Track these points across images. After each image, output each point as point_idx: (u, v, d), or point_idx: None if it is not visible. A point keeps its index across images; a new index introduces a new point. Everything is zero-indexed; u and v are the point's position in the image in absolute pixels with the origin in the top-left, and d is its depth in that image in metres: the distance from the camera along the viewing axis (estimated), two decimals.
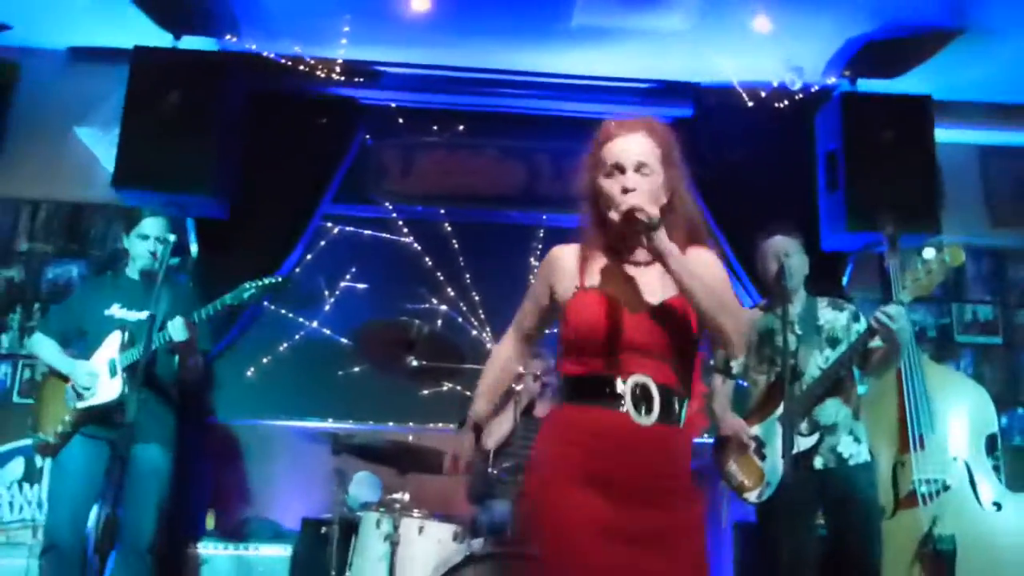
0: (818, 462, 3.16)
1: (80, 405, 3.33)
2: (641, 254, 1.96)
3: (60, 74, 4.65)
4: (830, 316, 3.32)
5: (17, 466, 4.27)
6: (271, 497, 4.34)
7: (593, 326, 1.89)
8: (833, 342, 3.22)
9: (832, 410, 3.17)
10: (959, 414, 3.84)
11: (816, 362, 3.20)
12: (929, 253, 3.04)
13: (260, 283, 3.40)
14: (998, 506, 3.62)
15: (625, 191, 1.88)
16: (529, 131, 4.86)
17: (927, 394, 3.81)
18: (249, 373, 4.50)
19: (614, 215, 1.89)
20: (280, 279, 3.46)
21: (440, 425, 4.49)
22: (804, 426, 3.14)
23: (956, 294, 5.02)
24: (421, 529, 3.24)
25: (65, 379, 3.40)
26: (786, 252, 3.30)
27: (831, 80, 4.64)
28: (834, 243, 4.50)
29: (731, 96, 4.70)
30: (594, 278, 1.95)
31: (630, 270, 1.96)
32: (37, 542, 3.48)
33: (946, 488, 3.63)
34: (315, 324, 4.62)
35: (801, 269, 3.35)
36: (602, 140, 1.99)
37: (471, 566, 3.03)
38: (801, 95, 4.65)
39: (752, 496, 3.21)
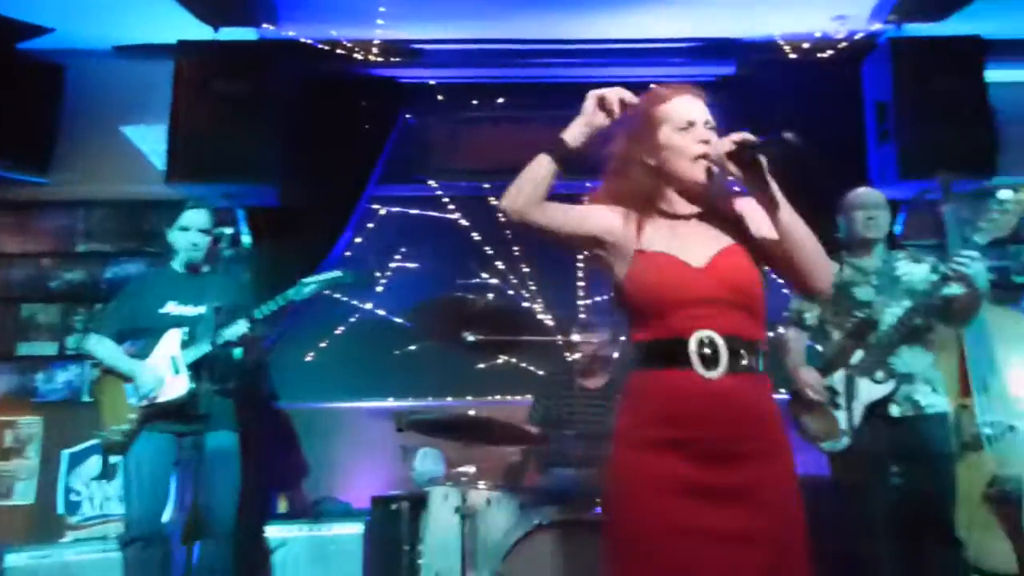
0: (894, 410, 3.12)
1: (145, 403, 3.39)
2: (688, 209, 1.98)
3: (105, 73, 4.71)
4: (908, 268, 3.27)
5: (94, 463, 4.41)
6: (339, 477, 4.43)
7: (657, 289, 1.89)
8: (912, 294, 3.17)
9: (909, 359, 3.14)
10: (1021, 355, 3.78)
11: (894, 312, 3.15)
12: (1006, 194, 2.96)
13: (321, 279, 3.44)
14: None
15: (704, 143, 1.92)
16: (570, 100, 4.63)
17: (988, 336, 3.74)
18: (308, 358, 4.58)
19: (693, 166, 1.92)
20: (341, 273, 3.49)
21: (498, 397, 4.54)
22: (880, 374, 3.11)
23: (1014, 235, 4.90)
24: (489, 500, 3.28)
25: (124, 377, 3.44)
26: (875, 203, 3.31)
27: (876, 27, 4.51)
28: (886, 193, 4.40)
29: (774, 51, 4.62)
30: (649, 239, 1.94)
31: (680, 227, 1.97)
32: (117, 537, 3.56)
33: (1011, 430, 3.60)
34: (369, 306, 4.67)
35: (885, 222, 3.33)
36: (658, 102, 1.99)
37: (541, 534, 3.07)
38: (846, 44, 4.55)
39: (828, 446, 3.19)
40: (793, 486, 1.86)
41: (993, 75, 4.41)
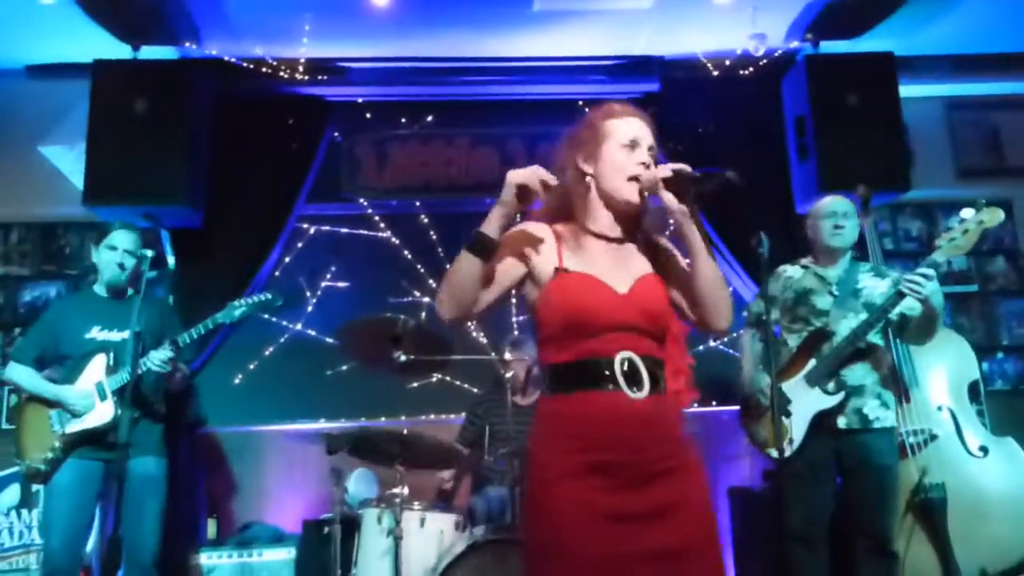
0: (841, 422, 3.14)
1: (69, 430, 3.30)
2: (612, 231, 1.97)
3: (20, 93, 4.58)
4: (870, 282, 3.28)
5: (12, 493, 4.24)
6: (270, 501, 4.35)
7: (580, 310, 1.86)
8: (869, 307, 3.17)
9: (861, 372, 3.17)
10: (941, 364, 3.89)
11: (849, 324, 3.17)
12: (967, 213, 2.97)
13: (251, 302, 3.37)
14: (985, 451, 3.69)
15: (643, 165, 1.93)
16: (500, 117, 4.86)
17: (907, 347, 3.86)
18: (236, 380, 4.49)
19: (626, 185, 1.92)
20: (270, 297, 3.42)
21: (431, 417, 4.51)
22: (831, 385, 3.14)
23: (928, 247, 5.09)
24: (423, 521, 3.26)
25: (48, 404, 3.34)
26: (843, 212, 3.29)
27: (794, 44, 4.66)
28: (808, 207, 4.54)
29: (697, 68, 4.72)
30: (572, 258, 1.92)
31: (604, 248, 1.96)
32: (38, 568, 3.43)
33: (933, 438, 3.68)
34: (299, 326, 4.61)
35: (853, 232, 3.32)
36: (608, 116, 1.99)
37: (474, 554, 3.06)
38: (765, 61, 4.68)
39: (774, 453, 3.19)
40: (709, 500, 1.90)
41: (905, 91, 4.59)
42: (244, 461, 4.42)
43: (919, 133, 4.85)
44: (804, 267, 3.40)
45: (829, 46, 4.62)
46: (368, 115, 4.78)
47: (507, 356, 3.57)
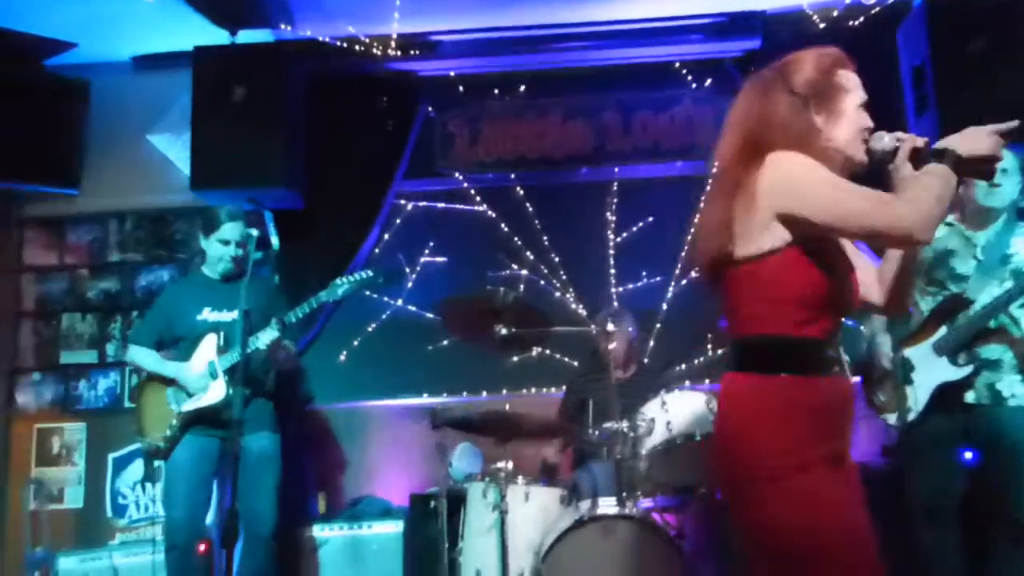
0: (970, 396, 2.92)
1: (187, 408, 3.43)
2: None
3: (128, 84, 4.77)
4: (1021, 248, 2.98)
5: (137, 468, 4.49)
6: (377, 476, 4.42)
7: (840, 282, 1.75)
8: (1018, 275, 2.91)
9: (999, 348, 2.92)
10: None
11: (992, 293, 2.92)
12: None
13: (353, 280, 3.41)
14: None
15: (870, 130, 1.80)
16: (594, 84, 4.74)
17: None
18: (341, 358, 4.57)
19: (862, 147, 1.78)
20: (371, 274, 3.45)
21: (532, 391, 4.49)
22: (962, 357, 2.92)
23: None
24: (527, 496, 3.24)
25: (166, 383, 3.49)
26: (1003, 168, 2.88)
27: None
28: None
29: (802, 21, 4.46)
30: None
31: None
32: (163, 539, 3.61)
33: None
34: (400, 302, 4.65)
35: (1013, 190, 3.00)
36: (842, 65, 1.83)
37: (580, 529, 3.02)
38: (878, 9, 4.38)
39: (892, 419, 3.02)
40: None
41: None
42: (351, 437, 4.52)
43: None
44: (949, 224, 3.06)
45: None
46: (461, 88, 4.74)
47: (609, 328, 3.49)
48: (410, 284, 4.68)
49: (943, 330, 2.98)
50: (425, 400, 4.47)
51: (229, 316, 3.51)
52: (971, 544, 2.99)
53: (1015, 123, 1.74)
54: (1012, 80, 4.06)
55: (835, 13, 4.44)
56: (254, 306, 3.23)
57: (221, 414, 3.37)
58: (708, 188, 1.90)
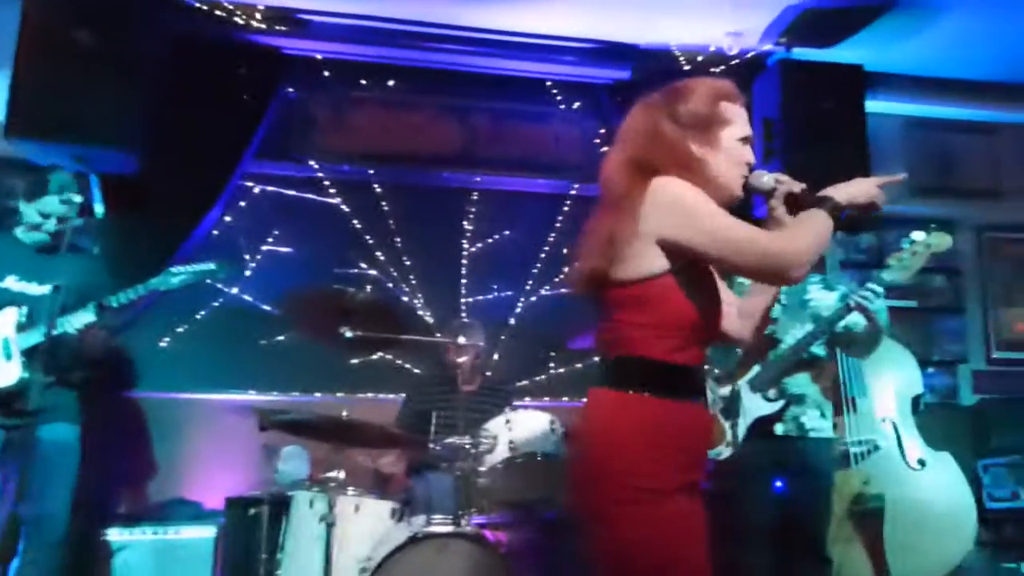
0: (779, 428, 3.17)
1: None
2: None
3: None
4: (818, 294, 3.30)
5: None
6: (193, 476, 4.07)
7: (709, 311, 1.77)
8: (816, 319, 3.20)
9: (803, 381, 3.19)
10: (889, 378, 3.99)
11: (796, 334, 3.19)
12: (918, 236, 3.01)
13: (191, 270, 3.12)
14: (922, 464, 3.79)
15: (749, 165, 1.84)
16: (467, 89, 4.67)
17: (859, 360, 3.89)
18: (163, 343, 4.20)
19: (740, 180, 1.82)
20: (213, 267, 3.17)
21: (370, 395, 4.32)
22: (772, 392, 3.15)
23: (878, 261, 5.15)
24: (357, 507, 3.09)
25: None
26: None
27: (768, 47, 4.61)
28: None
29: (669, 59, 4.63)
30: None
31: None
32: None
33: (876, 449, 3.78)
34: (236, 291, 4.34)
35: None
36: (725, 97, 1.83)
37: (413, 547, 2.90)
38: (738, 61, 4.62)
39: (712, 453, 3.19)
40: None
41: (870, 105, 4.61)
42: (165, 431, 4.13)
43: (878, 148, 4.87)
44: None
45: (802, 53, 4.58)
46: (327, 73, 4.52)
47: (460, 340, 3.41)
48: (248, 272, 4.38)
49: (756, 368, 3.19)
50: (253, 397, 4.20)
51: (38, 290, 3.10)
52: (780, 568, 3.19)
53: (902, 176, 1.88)
54: (852, 139, 4.43)
55: (700, 57, 4.64)
56: (69, 282, 2.87)
57: (10, 400, 2.95)
58: (596, 204, 1.87)
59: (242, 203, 4.43)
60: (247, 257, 4.39)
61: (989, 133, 5.35)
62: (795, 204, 1.80)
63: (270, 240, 4.43)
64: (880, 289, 2.99)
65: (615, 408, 1.73)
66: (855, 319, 3.10)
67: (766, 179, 1.84)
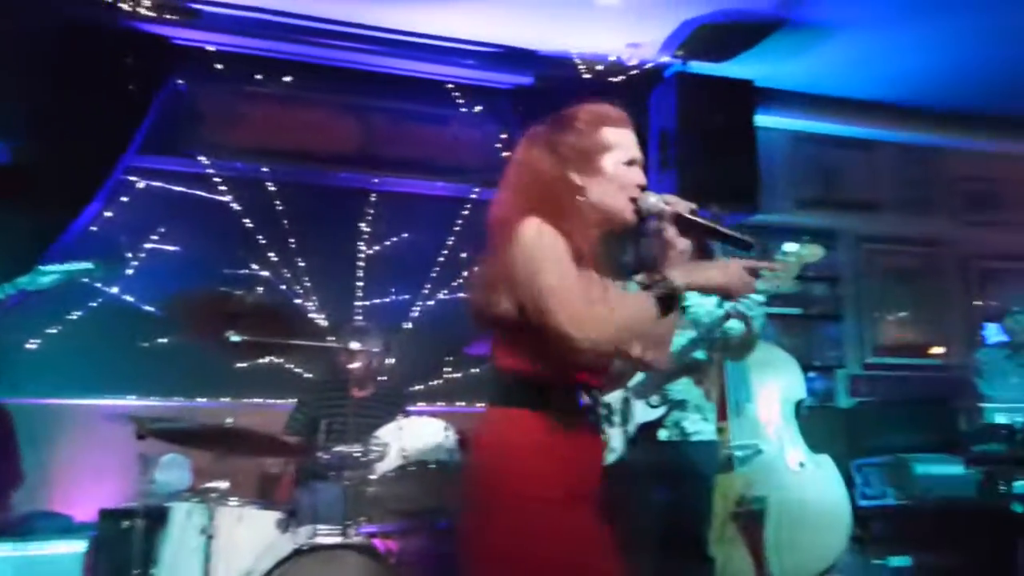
0: (662, 434, 3.23)
1: None
2: (587, 246, 1.80)
3: None
4: (696, 300, 3.33)
5: None
6: (61, 486, 3.86)
7: None
8: (696, 325, 3.26)
9: (684, 387, 3.26)
10: (774, 383, 4.12)
11: (678, 341, 3.22)
12: (790, 247, 3.11)
13: (65, 269, 2.93)
14: (802, 466, 3.93)
15: (640, 187, 1.79)
16: (365, 88, 4.59)
17: (746, 365, 4.01)
18: (32, 345, 3.95)
19: (628, 205, 1.78)
20: (91, 267, 2.99)
21: (258, 400, 4.19)
22: (655, 398, 3.21)
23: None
24: (240, 518, 2.96)
25: None
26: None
27: (666, 59, 4.71)
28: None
29: (570, 67, 4.67)
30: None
31: (583, 265, 1.80)
32: None
33: (759, 452, 3.88)
34: (115, 290, 4.13)
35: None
36: (605, 123, 1.80)
37: (298, 559, 2.81)
38: (637, 71, 4.71)
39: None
40: None
41: (759, 119, 4.78)
42: (33, 439, 3.87)
43: (768, 161, 5.06)
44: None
45: (698, 66, 4.71)
46: (219, 66, 4.35)
47: (353, 346, 3.33)
48: (130, 271, 4.17)
49: (639, 376, 3.23)
50: (132, 402, 4.00)
51: None
52: (664, 569, 3.26)
53: (778, 265, 1.89)
54: (740, 154, 4.58)
55: (600, 67, 4.70)
56: None
57: None
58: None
59: (125, 198, 4.22)
60: (129, 255, 4.18)
61: (868, 149, 5.64)
62: (686, 225, 1.80)
63: (154, 238, 4.25)
64: (759, 297, 3.09)
65: (502, 423, 1.75)
66: (732, 324, 3.20)
67: (653, 200, 1.81)
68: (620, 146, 1.79)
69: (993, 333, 5.51)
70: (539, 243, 1.67)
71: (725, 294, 1.82)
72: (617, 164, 1.78)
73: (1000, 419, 4.47)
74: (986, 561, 3.87)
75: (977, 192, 5.85)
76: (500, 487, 1.68)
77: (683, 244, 1.81)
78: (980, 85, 5.01)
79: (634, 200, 1.78)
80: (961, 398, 5.07)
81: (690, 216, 1.79)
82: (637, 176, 1.79)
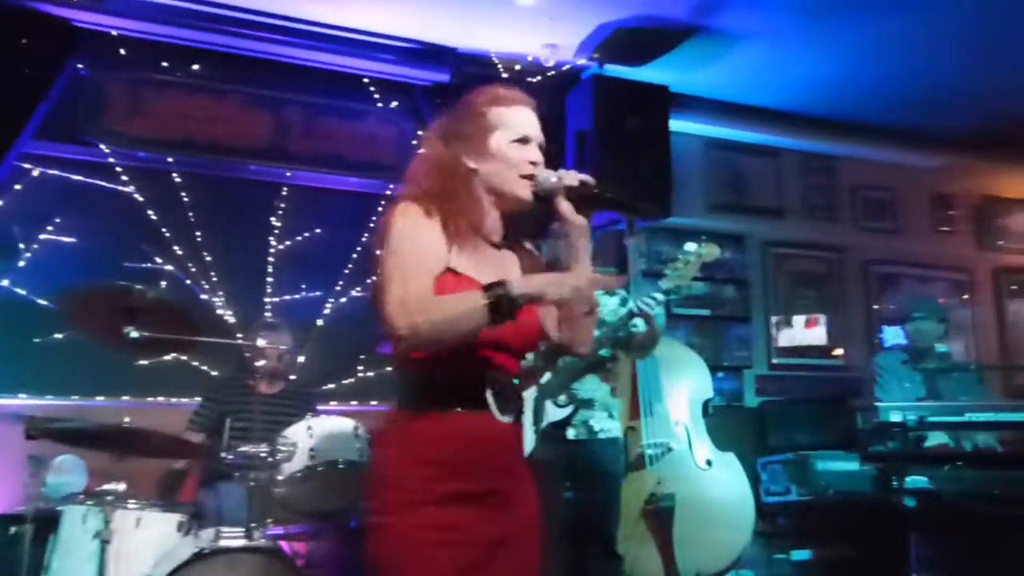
0: (570, 433, 3.28)
1: None
2: (494, 233, 1.79)
3: None
4: (601, 299, 3.40)
5: None
6: None
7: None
8: (600, 324, 3.28)
9: (591, 385, 3.31)
10: (683, 383, 4.25)
11: None
12: (689, 247, 3.20)
13: None
14: (709, 464, 4.05)
15: (534, 164, 1.75)
16: (278, 80, 4.47)
17: (656, 365, 4.10)
18: None
19: (520, 183, 1.74)
20: None
21: (160, 399, 4.03)
22: (562, 398, 3.25)
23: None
24: (139, 521, 2.87)
25: None
26: None
27: (582, 61, 4.77)
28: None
29: (488, 66, 4.67)
30: (459, 258, 1.71)
31: (488, 252, 1.78)
32: None
33: (669, 451, 3.98)
34: (6, 283, 3.91)
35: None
36: (494, 102, 1.78)
37: (200, 563, 2.72)
38: (554, 73, 4.75)
39: None
40: (540, 536, 1.84)
41: (673, 124, 4.88)
42: None
43: (680, 165, 5.17)
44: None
45: (613, 70, 4.77)
46: (123, 51, 4.17)
47: (260, 342, 3.24)
48: (22, 263, 3.96)
49: (547, 376, 3.28)
50: (22, 401, 3.79)
51: None
52: (574, 567, 3.30)
53: (620, 278, 2.18)
54: (654, 158, 4.66)
55: (518, 66, 4.72)
56: None
57: None
58: None
59: (18, 186, 4.01)
60: (22, 246, 3.97)
61: (774, 156, 5.83)
62: (584, 200, 1.75)
63: (50, 228, 4.04)
64: (660, 296, 3.17)
65: (385, 423, 1.78)
66: (636, 322, 3.26)
67: (546, 177, 1.76)
68: (508, 125, 1.77)
69: (892, 336, 5.78)
70: (399, 227, 1.68)
71: (561, 303, 1.78)
72: (505, 143, 1.76)
73: (895, 418, 4.68)
74: (880, 553, 4.04)
75: (875, 200, 6.12)
76: (377, 490, 1.70)
77: (579, 220, 1.76)
78: (874, 97, 5.26)
79: (530, 177, 1.75)
80: (859, 398, 5.30)
81: (582, 188, 1.75)
82: (529, 153, 1.76)
